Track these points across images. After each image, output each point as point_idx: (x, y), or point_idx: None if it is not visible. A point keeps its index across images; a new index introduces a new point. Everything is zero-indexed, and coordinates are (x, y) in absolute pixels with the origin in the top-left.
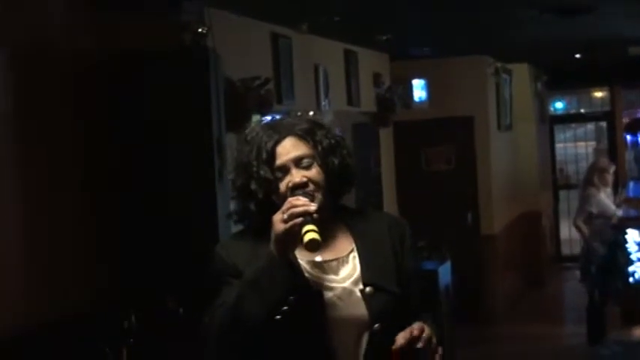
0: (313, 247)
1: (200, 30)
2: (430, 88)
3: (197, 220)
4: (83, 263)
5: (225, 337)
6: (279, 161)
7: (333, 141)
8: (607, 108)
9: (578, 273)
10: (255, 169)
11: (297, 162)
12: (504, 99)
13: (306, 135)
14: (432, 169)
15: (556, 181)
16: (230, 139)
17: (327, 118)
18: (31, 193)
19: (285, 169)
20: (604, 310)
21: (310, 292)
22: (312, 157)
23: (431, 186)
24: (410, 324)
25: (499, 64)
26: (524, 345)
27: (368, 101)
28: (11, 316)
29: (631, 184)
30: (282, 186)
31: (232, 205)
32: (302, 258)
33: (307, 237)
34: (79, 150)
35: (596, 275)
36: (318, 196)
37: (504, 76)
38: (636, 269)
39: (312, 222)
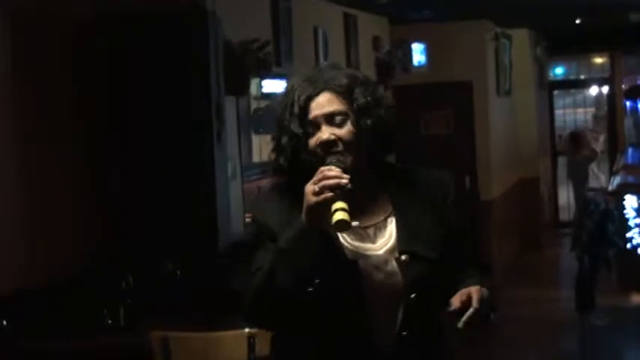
0: (341, 227)
1: None
2: (429, 52)
3: (195, 182)
4: (82, 224)
5: (259, 305)
6: (310, 115)
7: (370, 99)
8: (607, 74)
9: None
10: (286, 122)
11: (329, 118)
12: (504, 64)
13: (343, 91)
14: (430, 132)
15: (555, 147)
16: (228, 102)
17: None
18: (30, 153)
19: (315, 125)
20: (595, 278)
21: (345, 262)
22: (345, 114)
23: (429, 150)
24: (454, 287)
25: (499, 29)
26: (520, 309)
27: (367, 65)
28: (10, 273)
29: (630, 151)
30: (312, 142)
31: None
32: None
33: (335, 217)
34: (78, 111)
35: (587, 243)
36: (349, 157)
37: (504, 41)
38: (634, 235)
39: (344, 197)
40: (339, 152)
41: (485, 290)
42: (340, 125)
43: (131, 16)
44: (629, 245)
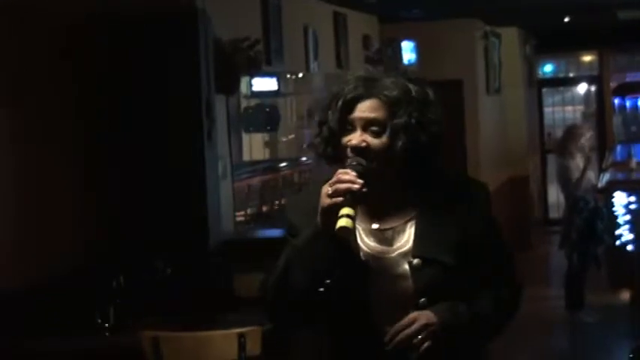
0: (343, 234)
1: None
2: (419, 50)
3: (185, 181)
4: (73, 224)
5: (275, 300)
6: (350, 115)
7: (414, 120)
8: (595, 72)
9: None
10: (330, 111)
11: (367, 125)
12: (493, 62)
13: (390, 103)
14: None
15: (544, 145)
16: (219, 100)
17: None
18: (24, 153)
19: (352, 126)
20: (584, 276)
21: (356, 263)
22: (384, 126)
23: None
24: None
25: (488, 28)
26: None
27: (357, 64)
28: (1, 270)
29: (618, 148)
30: (344, 140)
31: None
32: (359, 224)
33: (338, 223)
34: (71, 109)
35: (576, 241)
36: (374, 165)
37: (493, 39)
38: (623, 232)
39: (353, 203)
40: (361, 164)
41: (424, 319)
42: (375, 135)
43: (121, 16)
44: (618, 242)
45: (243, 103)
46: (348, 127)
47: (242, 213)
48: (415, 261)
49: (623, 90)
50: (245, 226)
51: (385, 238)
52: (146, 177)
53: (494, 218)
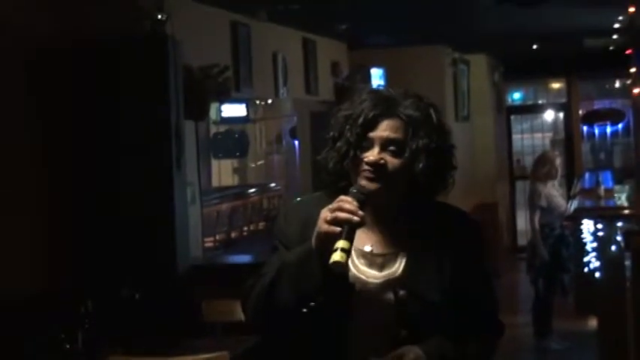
0: (336, 268)
1: (159, 17)
2: (388, 77)
3: (154, 206)
4: (41, 249)
5: (257, 310)
6: (371, 133)
7: (433, 144)
8: (563, 99)
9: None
10: (348, 127)
11: (386, 144)
12: (462, 89)
13: (411, 123)
14: None
15: (513, 171)
16: (188, 126)
17: (286, 106)
18: None
19: (370, 143)
20: (551, 303)
21: (343, 284)
22: (403, 146)
23: None
24: (456, 336)
25: (457, 55)
26: None
27: (326, 90)
28: None
29: (586, 175)
30: (361, 157)
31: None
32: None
33: (333, 257)
34: (35, 135)
35: (541, 268)
36: (382, 185)
37: (462, 66)
38: (590, 259)
39: (350, 236)
40: (374, 178)
41: (412, 355)
42: (393, 154)
43: (91, 41)
44: (586, 269)
45: (213, 129)
46: (366, 144)
47: (211, 239)
48: (401, 292)
49: (591, 117)
50: (213, 252)
51: (375, 262)
52: (115, 202)
53: (486, 263)
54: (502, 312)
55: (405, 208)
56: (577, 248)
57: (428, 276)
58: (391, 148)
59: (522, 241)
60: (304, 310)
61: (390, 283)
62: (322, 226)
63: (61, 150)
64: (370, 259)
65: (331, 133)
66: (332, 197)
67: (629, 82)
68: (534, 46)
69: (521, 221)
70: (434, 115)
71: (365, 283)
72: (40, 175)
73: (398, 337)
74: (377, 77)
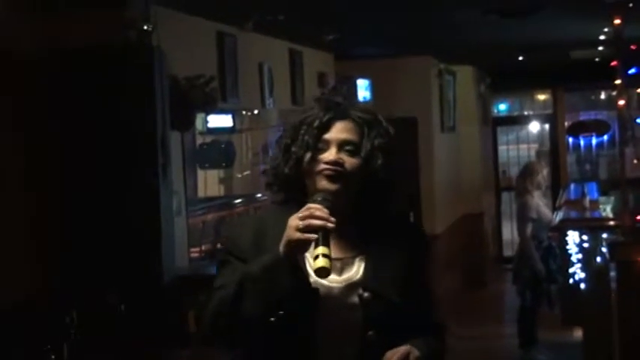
0: (322, 274)
1: (145, 27)
2: (374, 88)
3: (139, 218)
4: (24, 258)
5: (217, 323)
6: (326, 135)
7: (386, 143)
8: (549, 110)
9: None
10: (302, 132)
11: (342, 144)
12: (448, 100)
13: (364, 124)
14: None
15: (499, 182)
16: (174, 137)
17: (272, 117)
18: None
19: (328, 145)
20: (536, 314)
21: (307, 291)
22: (358, 147)
23: None
24: (411, 338)
25: (443, 66)
26: (463, 345)
27: (312, 100)
28: None
29: (572, 187)
30: (318, 158)
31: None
32: (308, 251)
33: (318, 263)
34: (19, 146)
35: (529, 279)
36: (341, 186)
37: (448, 77)
38: (576, 270)
39: (326, 241)
40: (335, 177)
41: (416, 352)
42: (350, 154)
43: (76, 50)
44: (571, 281)
45: (199, 140)
46: (323, 147)
47: (196, 249)
48: (366, 294)
49: (577, 129)
50: (199, 262)
51: (335, 267)
52: (100, 212)
53: (431, 268)
54: (488, 322)
55: (357, 212)
56: (562, 259)
57: (387, 278)
58: (347, 148)
59: (508, 251)
60: (272, 319)
61: (352, 286)
62: (294, 234)
63: (45, 159)
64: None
65: (284, 140)
66: (286, 207)
67: (614, 93)
68: (520, 58)
69: (507, 232)
70: (382, 118)
71: (328, 288)
72: (23, 185)
73: (365, 339)
74: (363, 88)
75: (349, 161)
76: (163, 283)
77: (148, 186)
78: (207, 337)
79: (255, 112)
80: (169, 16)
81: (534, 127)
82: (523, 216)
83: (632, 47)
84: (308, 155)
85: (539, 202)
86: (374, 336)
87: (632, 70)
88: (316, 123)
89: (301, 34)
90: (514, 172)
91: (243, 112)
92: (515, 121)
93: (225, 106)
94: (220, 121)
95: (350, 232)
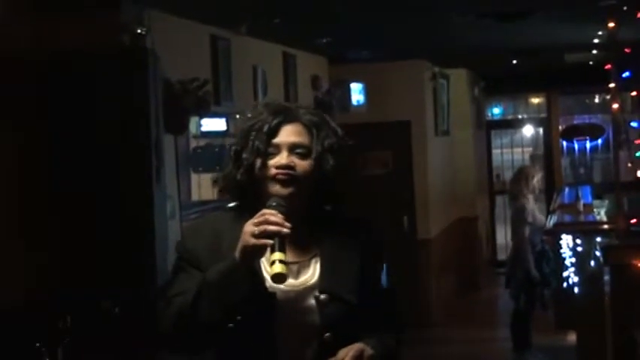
0: (279, 280)
1: (139, 31)
2: (368, 91)
3: (133, 220)
4: (19, 263)
5: (177, 330)
6: (276, 139)
7: (336, 143)
8: (543, 114)
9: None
10: (252, 138)
11: (293, 147)
12: (442, 104)
13: (312, 126)
14: (369, 172)
15: (492, 186)
16: (167, 140)
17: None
18: None
19: (278, 149)
20: (530, 318)
21: (264, 295)
22: (309, 148)
23: (368, 190)
24: (363, 339)
25: (437, 69)
26: (457, 348)
27: (306, 104)
28: None
29: (566, 190)
30: (271, 162)
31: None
32: (264, 256)
33: (274, 269)
34: (13, 149)
35: (522, 283)
36: (295, 190)
37: (442, 81)
38: (569, 274)
39: (282, 247)
40: (288, 181)
41: (369, 350)
42: (301, 157)
43: (70, 53)
44: (565, 284)
45: (192, 143)
46: (273, 151)
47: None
48: (322, 296)
49: (571, 132)
50: None
51: (291, 270)
52: (93, 215)
53: (389, 265)
54: (482, 326)
55: (310, 215)
56: (556, 263)
57: (343, 279)
58: (298, 151)
59: (502, 255)
60: (230, 325)
61: (309, 289)
62: (249, 240)
63: (38, 162)
64: None
65: (234, 148)
66: (240, 213)
67: (608, 97)
68: (514, 61)
69: (501, 235)
70: (329, 120)
71: (285, 292)
72: (15, 188)
73: (323, 340)
74: (357, 92)
75: (300, 164)
76: (157, 287)
77: (142, 190)
78: (166, 344)
79: (249, 115)
80: (163, 20)
81: (528, 130)
82: (520, 219)
83: (627, 50)
84: (259, 161)
85: (533, 206)
86: (331, 337)
87: (626, 74)
88: (265, 128)
89: (295, 38)
90: (508, 175)
91: (237, 116)
92: (509, 124)
93: (218, 109)
94: (214, 124)
95: (304, 235)
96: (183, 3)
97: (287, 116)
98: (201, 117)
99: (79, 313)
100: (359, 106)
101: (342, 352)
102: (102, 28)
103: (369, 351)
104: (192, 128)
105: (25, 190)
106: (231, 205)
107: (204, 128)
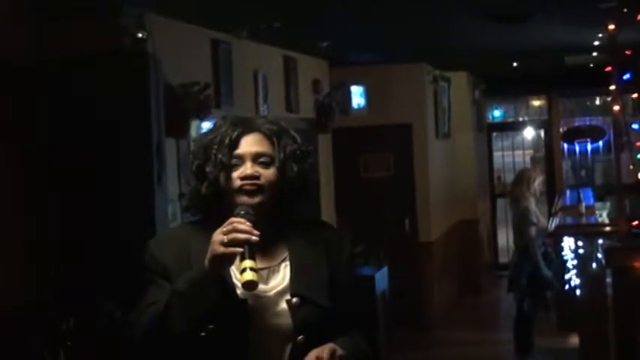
0: (250, 287)
1: (140, 35)
2: (369, 94)
3: (135, 223)
4: (21, 265)
5: (149, 342)
6: (238, 150)
7: (297, 150)
8: (544, 116)
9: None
10: (214, 151)
11: (256, 157)
12: (442, 106)
13: (273, 135)
14: (370, 175)
15: (493, 188)
16: (169, 144)
17: None
18: None
19: (242, 160)
20: (533, 320)
21: (235, 302)
22: (272, 157)
23: (369, 192)
24: (335, 339)
25: (437, 72)
26: (458, 351)
27: (307, 107)
28: None
29: (567, 192)
30: (235, 174)
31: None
32: (234, 264)
33: (245, 277)
34: (16, 152)
35: (527, 286)
36: (262, 199)
37: (442, 83)
38: (571, 277)
39: (252, 254)
40: (255, 191)
41: (340, 351)
42: (265, 166)
43: (72, 57)
44: (567, 287)
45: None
46: (237, 162)
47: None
48: (294, 299)
49: (572, 134)
50: None
51: (261, 276)
52: (96, 219)
53: (355, 267)
54: (483, 329)
55: (275, 220)
56: (558, 265)
57: (313, 282)
58: (261, 160)
59: (503, 258)
60: (202, 333)
61: (280, 294)
62: (218, 249)
63: (39, 165)
64: None
65: (196, 163)
66: (206, 223)
67: (609, 99)
68: (515, 64)
69: (502, 238)
70: (287, 127)
71: (256, 298)
72: (17, 190)
73: (296, 343)
74: (358, 95)
75: (265, 173)
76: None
77: (144, 193)
78: (139, 354)
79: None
80: (164, 24)
81: (529, 133)
82: (526, 221)
83: (627, 52)
84: (223, 174)
85: (534, 209)
86: (304, 340)
87: (626, 76)
88: (226, 140)
89: (296, 42)
90: (509, 178)
91: (268, 116)
92: (510, 127)
93: (219, 113)
94: None
95: (272, 240)
96: (185, 7)
97: (246, 127)
98: (203, 120)
99: (81, 316)
100: (360, 109)
101: (312, 353)
102: (103, 32)
103: (339, 351)
104: (194, 132)
105: (27, 192)
106: (194, 219)
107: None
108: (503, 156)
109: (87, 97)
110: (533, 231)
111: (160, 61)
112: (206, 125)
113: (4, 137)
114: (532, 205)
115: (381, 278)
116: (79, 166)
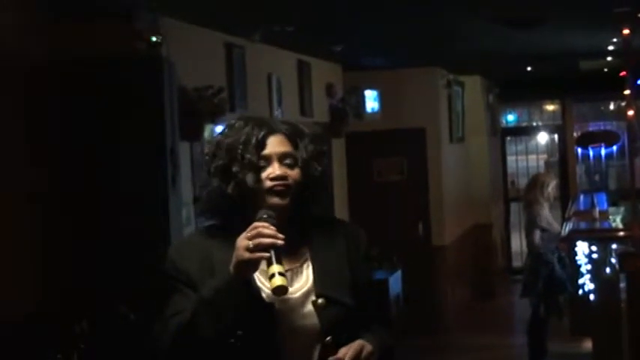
0: (281, 292)
1: (154, 39)
2: (382, 99)
3: (149, 227)
4: (36, 268)
5: (177, 352)
6: (265, 151)
7: (316, 150)
8: (558, 121)
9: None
10: (240, 152)
11: (282, 158)
12: (456, 111)
13: (294, 137)
14: (384, 179)
15: (507, 193)
16: (183, 147)
17: None
18: None
19: (268, 161)
20: (547, 325)
21: (263, 306)
22: (295, 158)
23: (383, 196)
24: (361, 336)
25: (451, 76)
26: (472, 356)
27: (321, 111)
28: None
29: (581, 197)
30: (263, 175)
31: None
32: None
33: (275, 282)
34: (30, 155)
35: (543, 291)
36: (291, 199)
37: (456, 87)
38: (585, 281)
39: (279, 259)
40: (285, 192)
41: (369, 347)
42: (290, 167)
43: (86, 61)
44: (580, 292)
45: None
46: (263, 163)
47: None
48: (320, 300)
49: (586, 139)
50: None
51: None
52: (110, 222)
53: (372, 263)
54: (497, 333)
55: (298, 220)
56: (572, 270)
57: (336, 281)
58: (287, 161)
59: (517, 262)
60: (231, 340)
61: (305, 295)
62: (244, 254)
63: (54, 170)
64: None
65: (219, 163)
66: (227, 228)
67: (623, 104)
68: (529, 68)
69: (516, 243)
70: (302, 127)
71: (283, 301)
72: (32, 194)
73: (324, 344)
74: (371, 99)
75: (292, 174)
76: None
77: (158, 197)
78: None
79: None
80: (178, 28)
81: (543, 137)
82: (533, 225)
83: None
84: (251, 174)
85: (548, 213)
86: (331, 340)
87: None
88: (253, 140)
89: (309, 46)
90: (523, 182)
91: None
92: (524, 131)
93: (233, 116)
94: None
95: (293, 242)
96: (198, 11)
97: (270, 128)
98: (217, 124)
99: (95, 319)
100: (373, 113)
101: (342, 351)
102: (117, 36)
103: (368, 347)
104: (207, 135)
105: (40, 194)
106: (209, 224)
107: None
108: (517, 160)
109: (101, 101)
110: (537, 235)
111: (173, 65)
112: (220, 129)
113: (16, 140)
114: (545, 209)
115: (395, 282)
116: (93, 170)
